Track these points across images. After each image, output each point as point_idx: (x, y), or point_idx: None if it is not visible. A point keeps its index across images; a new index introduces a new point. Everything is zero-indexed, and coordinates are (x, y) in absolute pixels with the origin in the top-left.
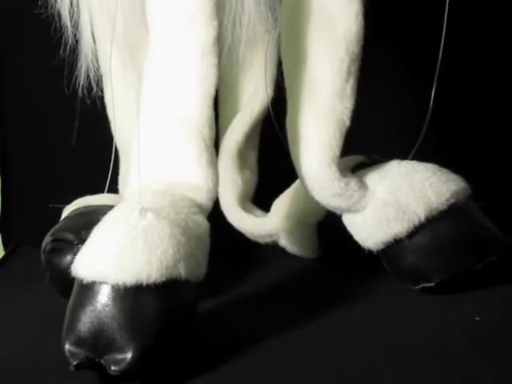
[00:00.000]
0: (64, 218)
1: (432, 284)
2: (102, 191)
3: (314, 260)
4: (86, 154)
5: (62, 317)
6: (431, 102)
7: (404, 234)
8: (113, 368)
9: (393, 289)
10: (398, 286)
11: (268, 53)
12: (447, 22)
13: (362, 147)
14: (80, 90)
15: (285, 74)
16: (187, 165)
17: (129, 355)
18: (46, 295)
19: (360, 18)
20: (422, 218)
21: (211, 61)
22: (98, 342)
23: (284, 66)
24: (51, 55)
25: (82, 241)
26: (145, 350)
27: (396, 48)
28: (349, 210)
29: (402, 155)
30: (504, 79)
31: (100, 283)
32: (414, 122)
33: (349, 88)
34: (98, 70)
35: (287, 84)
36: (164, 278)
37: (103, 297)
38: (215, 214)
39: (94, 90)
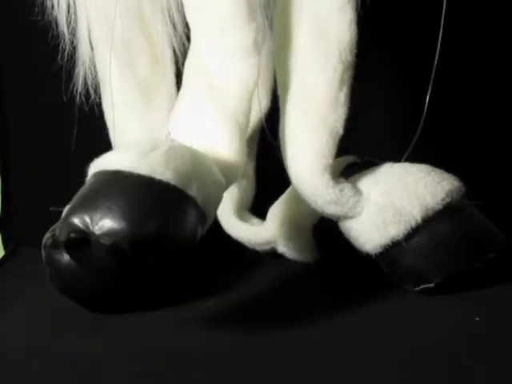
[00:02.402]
0: None
1: (432, 285)
2: None
3: (313, 262)
4: (86, 154)
5: (62, 316)
6: (426, 104)
7: (401, 236)
8: (105, 238)
9: (392, 290)
10: (396, 286)
11: (262, 62)
12: (443, 24)
13: (356, 148)
14: (78, 97)
15: (277, 83)
16: (219, 145)
17: (122, 229)
18: (45, 295)
19: (353, 27)
20: (419, 219)
21: (252, 60)
22: (96, 217)
23: (277, 75)
24: (50, 60)
25: None
26: (137, 231)
27: (391, 49)
28: (345, 217)
29: (396, 156)
30: (497, 79)
31: (109, 172)
32: (406, 121)
33: (342, 96)
34: (95, 76)
35: (280, 92)
36: (173, 182)
37: (114, 182)
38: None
39: (92, 96)
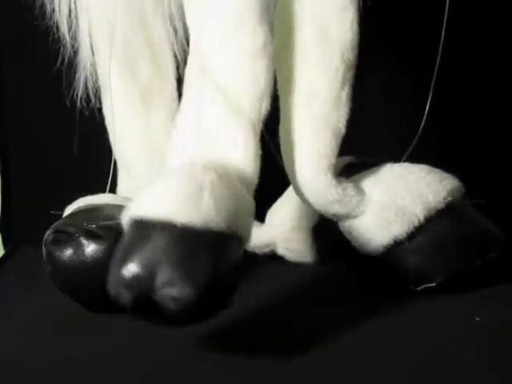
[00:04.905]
0: (66, 216)
1: (434, 284)
2: (101, 192)
3: (312, 264)
4: (86, 154)
5: (61, 316)
6: (428, 104)
7: (404, 235)
8: (170, 305)
9: (392, 289)
10: (397, 286)
11: None
12: (445, 25)
13: (356, 148)
14: (78, 102)
15: (278, 83)
16: (235, 153)
17: (188, 293)
18: (45, 294)
19: (355, 26)
20: (422, 218)
21: (263, 62)
22: (153, 278)
23: (277, 75)
24: (51, 64)
25: (84, 232)
26: (201, 290)
27: (392, 49)
28: (347, 216)
29: (396, 156)
30: (497, 79)
31: (160, 222)
32: (406, 122)
33: (344, 96)
34: (96, 81)
35: (281, 93)
36: (223, 228)
37: (162, 235)
38: None
39: (92, 101)
